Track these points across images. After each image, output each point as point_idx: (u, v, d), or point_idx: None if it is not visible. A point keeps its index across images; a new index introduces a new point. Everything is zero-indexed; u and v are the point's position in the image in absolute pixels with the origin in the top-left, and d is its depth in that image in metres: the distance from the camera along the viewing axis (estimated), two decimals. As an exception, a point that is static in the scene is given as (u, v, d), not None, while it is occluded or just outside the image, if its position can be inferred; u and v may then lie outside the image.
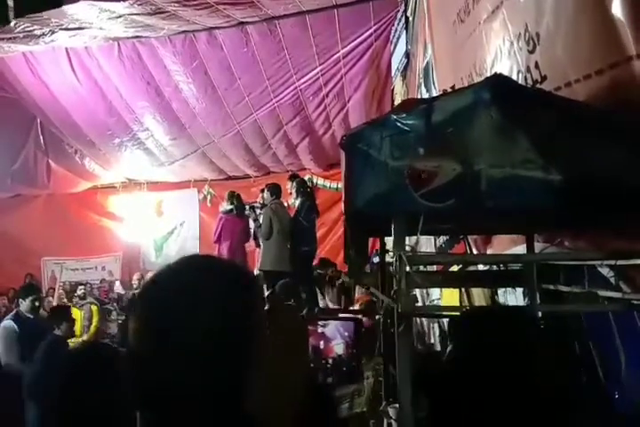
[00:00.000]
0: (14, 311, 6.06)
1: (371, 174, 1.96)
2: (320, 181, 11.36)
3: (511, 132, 1.94)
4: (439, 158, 1.89)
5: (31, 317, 5.86)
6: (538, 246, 2.71)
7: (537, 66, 2.64)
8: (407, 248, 1.87)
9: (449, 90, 3.98)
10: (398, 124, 2.02)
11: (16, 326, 5.60)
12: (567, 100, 2.16)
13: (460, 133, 1.96)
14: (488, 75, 3.05)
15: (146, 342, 0.94)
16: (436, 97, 2.20)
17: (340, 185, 11.11)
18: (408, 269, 1.71)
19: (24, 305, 5.79)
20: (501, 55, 2.97)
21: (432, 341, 4.25)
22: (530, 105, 2.03)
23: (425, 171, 1.86)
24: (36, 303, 5.92)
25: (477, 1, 3.35)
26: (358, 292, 5.71)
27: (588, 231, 2.40)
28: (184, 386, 0.90)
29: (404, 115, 2.06)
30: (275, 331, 0.95)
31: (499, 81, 2.12)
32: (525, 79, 2.69)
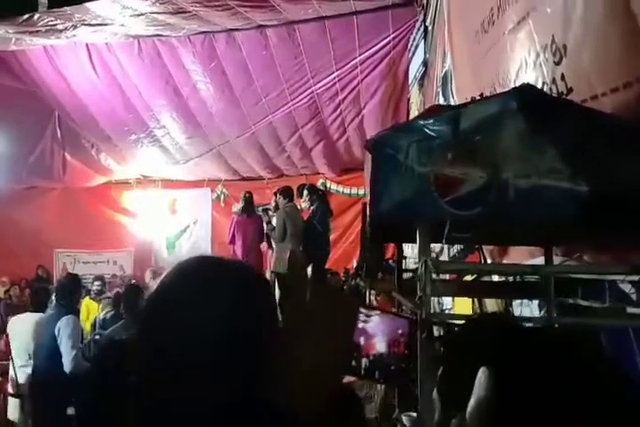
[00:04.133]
0: (60, 304, 5.79)
1: (397, 179, 1.96)
2: (333, 186, 11.38)
3: (539, 141, 1.94)
4: (466, 166, 1.89)
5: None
6: (556, 260, 2.70)
7: (563, 78, 2.64)
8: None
9: (469, 99, 3.98)
10: (425, 129, 2.03)
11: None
12: (595, 112, 2.15)
13: (487, 141, 1.97)
14: (512, 86, 3.05)
15: (156, 347, 0.93)
16: (463, 104, 2.19)
17: (354, 190, 11.31)
18: (434, 276, 1.70)
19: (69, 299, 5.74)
20: (526, 66, 2.96)
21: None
22: (558, 115, 2.03)
23: (452, 178, 1.86)
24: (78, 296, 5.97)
25: (503, 11, 3.35)
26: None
27: (610, 245, 2.39)
28: (194, 390, 0.89)
29: (432, 120, 2.06)
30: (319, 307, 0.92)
31: (527, 90, 2.12)
32: (551, 91, 2.68)
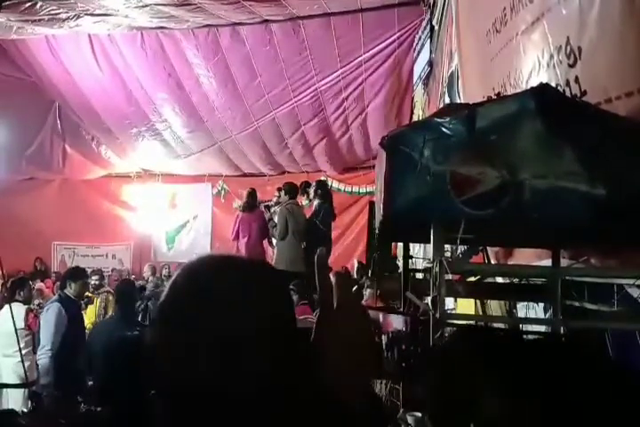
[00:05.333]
0: (58, 293, 6.03)
1: (411, 177, 1.94)
2: (335, 184, 11.36)
3: (556, 142, 1.92)
4: (482, 165, 1.87)
5: (76, 300, 5.87)
6: (563, 262, 2.68)
7: (577, 80, 2.62)
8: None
9: (476, 99, 3.96)
10: (441, 127, 2.01)
11: (63, 310, 5.56)
12: (612, 115, 2.14)
13: (503, 141, 1.95)
14: (524, 87, 3.03)
15: (174, 350, 0.92)
16: (480, 103, 2.17)
17: (355, 189, 11.29)
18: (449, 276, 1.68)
19: (72, 288, 5.75)
20: (540, 67, 2.94)
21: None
22: (575, 116, 2.02)
23: (468, 177, 1.84)
24: (84, 288, 5.94)
25: (516, 12, 3.33)
26: (368, 294, 5.66)
27: (619, 249, 2.38)
28: (214, 391, 0.88)
29: (448, 119, 2.04)
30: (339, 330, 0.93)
31: (544, 90, 2.10)
32: (564, 93, 2.66)
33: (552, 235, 2.38)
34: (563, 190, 1.85)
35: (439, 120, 2.03)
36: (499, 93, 3.03)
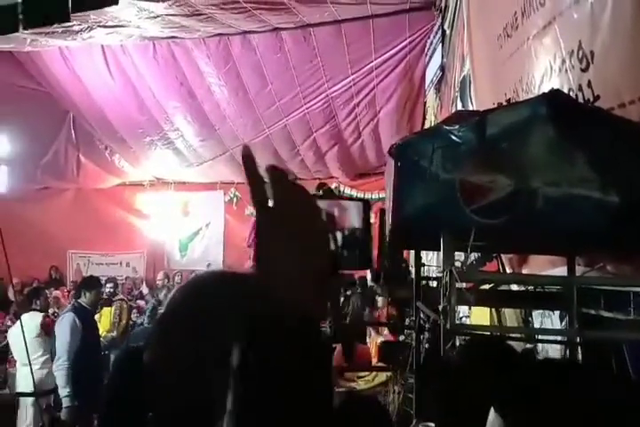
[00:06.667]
0: (72, 303, 6.04)
1: (420, 185, 1.91)
2: (347, 191, 11.34)
3: (569, 149, 1.88)
4: (493, 173, 1.84)
5: (90, 309, 5.88)
6: (578, 270, 2.64)
7: (590, 85, 2.58)
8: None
9: (489, 104, 3.93)
10: (451, 135, 1.98)
11: (77, 320, 5.56)
12: (625, 120, 2.10)
13: (515, 148, 1.92)
14: (536, 91, 3.00)
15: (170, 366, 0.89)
16: (490, 110, 2.14)
17: (367, 195, 11.23)
18: (459, 285, 1.65)
19: (86, 297, 5.76)
20: (552, 72, 2.90)
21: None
22: (588, 122, 1.98)
23: (478, 185, 1.81)
24: (98, 297, 5.98)
25: (527, 16, 3.30)
26: (381, 302, 5.64)
27: (636, 256, 2.33)
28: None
29: (457, 126, 2.01)
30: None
31: (556, 96, 2.07)
32: (577, 98, 2.62)
33: (566, 242, 2.34)
34: (576, 197, 1.81)
35: (448, 127, 2.00)
36: (509, 100, 2.99)
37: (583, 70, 2.63)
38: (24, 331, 4.73)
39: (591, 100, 2.54)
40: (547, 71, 2.95)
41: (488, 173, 1.85)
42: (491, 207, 1.80)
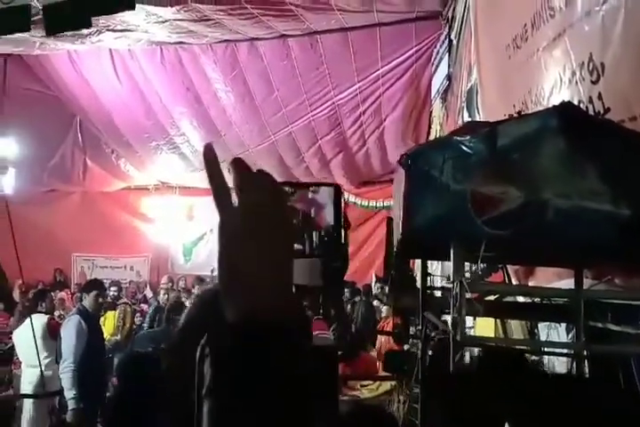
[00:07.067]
0: (77, 306, 6.02)
1: (431, 196, 1.91)
2: (351, 198, 11.31)
3: (579, 161, 1.88)
4: (504, 184, 1.84)
5: (95, 312, 5.86)
6: (586, 282, 2.63)
7: (600, 97, 2.58)
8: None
9: (496, 114, 3.93)
10: (461, 146, 1.98)
11: (83, 322, 5.52)
12: (636, 133, 2.09)
13: (525, 160, 1.91)
14: (546, 103, 3.00)
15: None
16: (501, 121, 2.14)
17: (372, 203, 11.21)
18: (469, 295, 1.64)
19: (87, 300, 5.75)
20: (561, 84, 2.91)
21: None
22: (599, 135, 1.98)
23: (489, 196, 1.81)
24: (100, 299, 5.88)
25: (537, 28, 3.30)
26: (385, 311, 5.62)
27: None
28: None
29: (468, 137, 2.01)
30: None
31: (567, 109, 2.07)
32: (587, 110, 2.62)
33: (575, 254, 2.33)
34: (586, 210, 1.81)
35: (459, 138, 2.00)
36: (519, 111, 2.99)
37: (594, 82, 2.63)
38: (34, 332, 4.72)
39: (601, 112, 2.54)
40: (556, 83, 2.95)
41: (499, 185, 1.85)
42: (501, 218, 1.80)
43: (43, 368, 5.26)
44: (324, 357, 1.14)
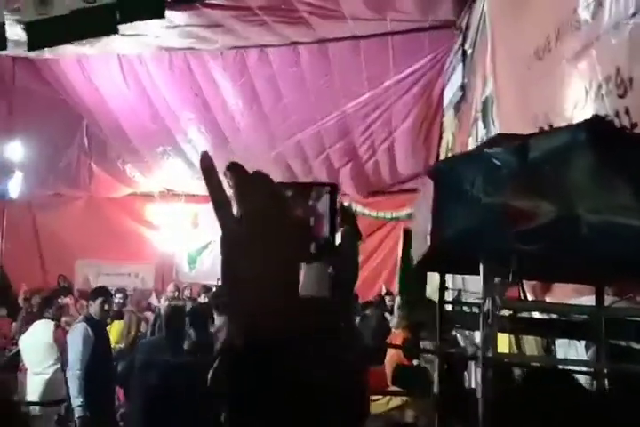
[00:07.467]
0: (84, 314, 5.98)
1: (461, 209, 1.87)
2: (359, 208, 11.23)
3: (609, 176, 1.84)
4: (536, 198, 1.80)
5: (101, 319, 5.81)
6: (607, 299, 2.58)
7: (627, 111, 2.54)
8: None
9: (513, 126, 3.90)
10: (492, 159, 1.94)
11: (89, 330, 5.47)
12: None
13: (557, 174, 1.87)
14: (570, 116, 2.96)
15: None
16: (531, 135, 2.10)
17: (380, 213, 11.11)
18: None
19: (93, 308, 5.70)
20: (587, 97, 2.87)
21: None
22: (629, 149, 1.94)
23: (522, 210, 1.77)
24: (106, 306, 5.80)
25: (561, 40, 3.27)
26: (394, 324, 5.54)
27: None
28: None
29: (498, 150, 1.97)
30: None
31: (598, 123, 2.02)
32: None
33: (602, 270, 2.29)
34: (616, 225, 1.77)
35: (489, 151, 1.96)
36: (542, 128, 2.95)
37: (621, 96, 2.60)
38: (39, 338, 4.66)
39: (629, 127, 2.50)
40: (581, 96, 2.91)
41: (531, 199, 1.81)
42: (534, 233, 1.75)
43: (49, 375, 5.21)
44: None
